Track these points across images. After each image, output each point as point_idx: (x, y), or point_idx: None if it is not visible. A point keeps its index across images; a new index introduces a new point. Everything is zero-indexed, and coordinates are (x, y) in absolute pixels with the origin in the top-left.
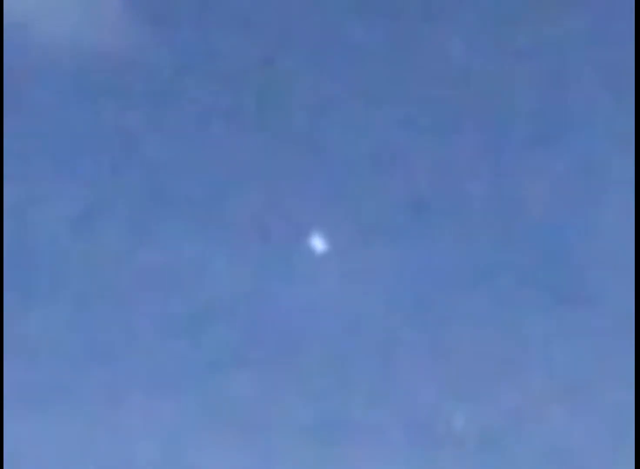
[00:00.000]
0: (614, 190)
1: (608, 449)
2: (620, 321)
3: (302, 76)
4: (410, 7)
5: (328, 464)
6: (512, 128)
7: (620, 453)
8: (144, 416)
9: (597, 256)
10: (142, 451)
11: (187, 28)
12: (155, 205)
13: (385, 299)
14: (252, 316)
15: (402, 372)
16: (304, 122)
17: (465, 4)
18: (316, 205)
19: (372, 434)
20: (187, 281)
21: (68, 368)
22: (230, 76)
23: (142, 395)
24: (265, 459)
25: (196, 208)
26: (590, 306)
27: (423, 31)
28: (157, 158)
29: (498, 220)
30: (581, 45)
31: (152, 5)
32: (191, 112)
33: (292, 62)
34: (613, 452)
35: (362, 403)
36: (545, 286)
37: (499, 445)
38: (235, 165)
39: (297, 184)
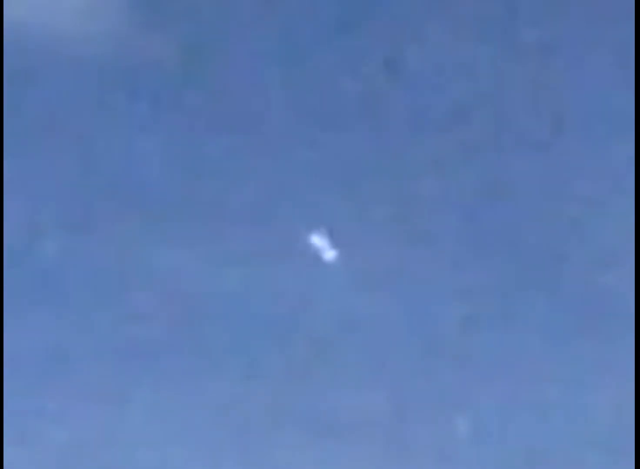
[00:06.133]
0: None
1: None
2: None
3: (300, 71)
4: None
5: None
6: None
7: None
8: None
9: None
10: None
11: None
12: (154, 204)
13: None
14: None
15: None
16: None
17: None
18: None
19: (377, 436)
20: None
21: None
22: (229, 74)
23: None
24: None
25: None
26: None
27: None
28: (157, 156)
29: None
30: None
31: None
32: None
33: (288, 58)
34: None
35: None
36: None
37: (491, 444)
38: (235, 163)
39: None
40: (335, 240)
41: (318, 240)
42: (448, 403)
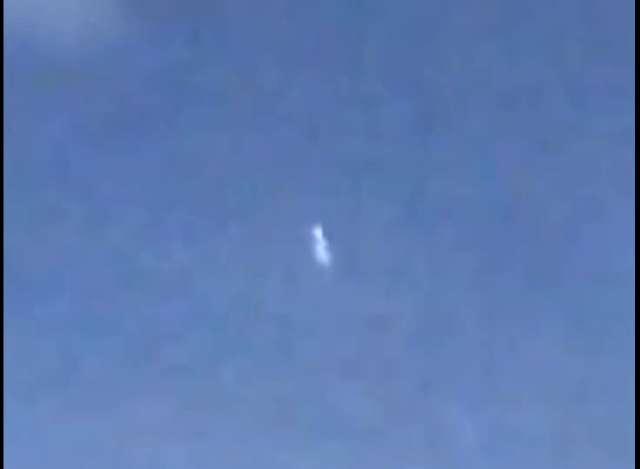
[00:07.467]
0: None
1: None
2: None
3: (302, 74)
4: None
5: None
6: None
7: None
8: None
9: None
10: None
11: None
12: (155, 206)
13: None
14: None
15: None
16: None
17: None
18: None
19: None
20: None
21: None
22: (229, 73)
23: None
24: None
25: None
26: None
27: None
28: (156, 155)
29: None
30: None
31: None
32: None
33: (289, 59)
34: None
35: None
36: None
37: (496, 448)
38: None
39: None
40: (335, 238)
41: (318, 236)
42: (449, 403)
